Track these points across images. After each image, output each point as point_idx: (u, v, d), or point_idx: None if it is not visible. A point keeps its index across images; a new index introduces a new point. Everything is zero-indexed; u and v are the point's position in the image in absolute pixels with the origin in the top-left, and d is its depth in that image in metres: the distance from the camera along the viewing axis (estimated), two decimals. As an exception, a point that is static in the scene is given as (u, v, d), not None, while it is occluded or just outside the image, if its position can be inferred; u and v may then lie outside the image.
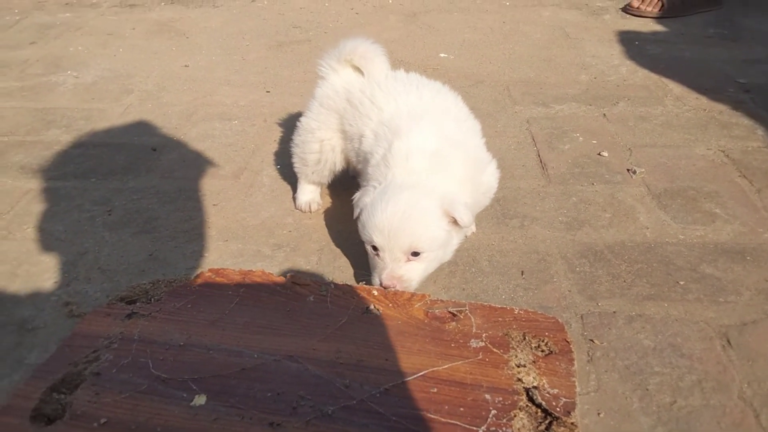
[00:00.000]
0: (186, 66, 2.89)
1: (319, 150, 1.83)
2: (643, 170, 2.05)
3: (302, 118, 1.88)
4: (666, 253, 1.69)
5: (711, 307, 1.50)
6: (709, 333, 1.43)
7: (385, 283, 1.49)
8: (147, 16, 3.50)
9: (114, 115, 2.45)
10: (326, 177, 1.89)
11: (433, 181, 1.49)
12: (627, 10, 3.47)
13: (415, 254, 1.47)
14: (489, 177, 1.66)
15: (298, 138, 1.88)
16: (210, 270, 1.54)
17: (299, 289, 1.48)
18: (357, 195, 1.56)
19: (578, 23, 3.37)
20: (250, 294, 1.46)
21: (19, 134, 2.30)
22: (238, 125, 2.39)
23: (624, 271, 1.63)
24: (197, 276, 1.52)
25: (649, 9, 3.37)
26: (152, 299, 1.47)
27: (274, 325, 1.38)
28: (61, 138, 2.28)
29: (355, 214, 1.55)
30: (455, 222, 1.48)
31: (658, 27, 3.30)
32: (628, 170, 2.06)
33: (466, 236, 1.69)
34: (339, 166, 1.86)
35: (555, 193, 1.96)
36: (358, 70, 1.81)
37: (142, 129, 2.35)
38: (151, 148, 2.23)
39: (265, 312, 1.41)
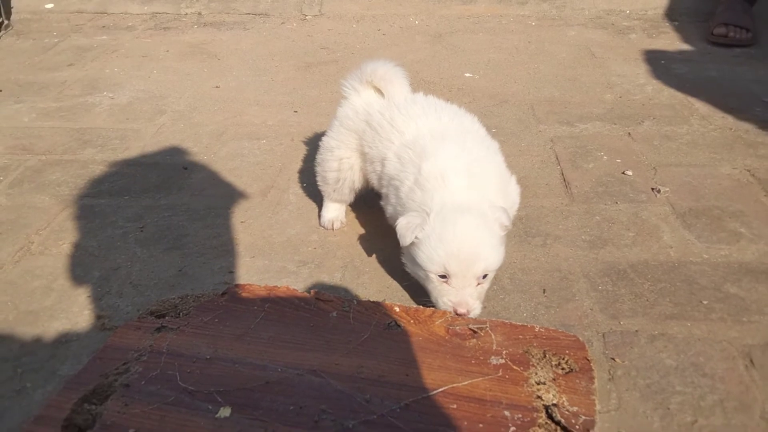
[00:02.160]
0: (217, 87, 2.97)
1: (338, 168, 1.87)
2: (668, 189, 2.05)
3: (324, 137, 1.93)
4: (690, 272, 1.69)
5: (734, 327, 1.49)
6: (732, 353, 1.42)
7: (461, 310, 1.47)
8: (180, 38, 3.60)
9: (147, 134, 2.53)
10: (347, 195, 1.93)
11: (473, 196, 1.51)
12: (715, 39, 3.29)
13: (484, 276, 1.50)
14: (512, 192, 1.69)
15: (319, 156, 1.93)
16: (236, 285, 1.58)
17: (323, 305, 1.51)
18: (401, 222, 1.52)
19: (604, 42, 3.38)
20: (274, 309, 1.50)
21: (56, 153, 2.38)
22: (266, 144, 2.45)
23: (647, 290, 1.63)
24: (224, 291, 1.56)
25: (740, 37, 3.25)
26: (181, 313, 1.51)
27: (297, 339, 1.41)
28: (97, 157, 2.35)
29: (407, 241, 1.51)
30: (506, 228, 1.51)
31: (684, 46, 3.29)
32: (652, 189, 2.06)
33: None
34: (358, 184, 1.89)
35: (578, 212, 1.97)
36: (379, 91, 1.86)
37: (174, 148, 2.42)
38: (182, 166, 2.29)
39: (289, 327, 1.45)
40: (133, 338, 1.43)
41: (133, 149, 2.41)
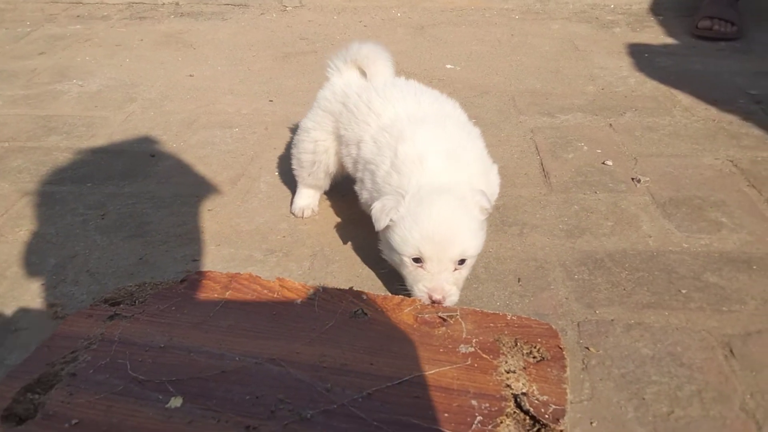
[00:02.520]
0: (191, 76, 2.89)
1: (313, 150, 1.81)
2: (648, 179, 2.00)
3: (302, 119, 1.86)
4: (669, 261, 1.63)
5: (714, 316, 1.44)
6: (711, 342, 1.37)
7: (435, 297, 1.40)
8: (156, 28, 3.52)
9: (115, 122, 2.45)
10: (322, 180, 1.86)
11: (455, 179, 1.45)
12: (699, 33, 3.24)
13: (461, 262, 1.43)
14: (493, 181, 1.62)
15: (295, 138, 1.87)
16: (197, 273, 1.51)
17: (287, 292, 1.44)
18: (377, 205, 1.46)
19: (588, 36, 3.33)
20: (236, 297, 1.43)
21: (20, 140, 2.30)
22: (238, 133, 2.38)
23: (624, 279, 1.58)
24: (183, 279, 1.49)
25: (725, 30, 3.19)
26: (137, 301, 1.44)
27: (258, 328, 1.34)
28: (61, 144, 2.27)
29: (381, 225, 1.45)
30: (486, 211, 1.46)
31: (669, 40, 3.25)
32: (632, 179, 2.01)
33: None
34: (333, 168, 1.83)
35: (556, 202, 1.91)
36: (363, 73, 1.80)
37: (143, 136, 2.34)
38: (149, 154, 2.22)
39: (250, 315, 1.38)
40: (84, 326, 1.35)
41: (100, 137, 2.33)
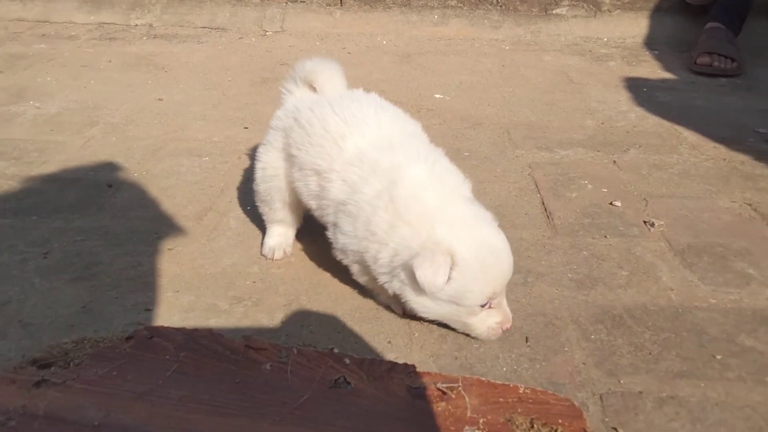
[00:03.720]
0: (160, 99, 2.67)
1: (262, 177, 1.61)
2: (662, 223, 1.80)
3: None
4: (696, 320, 1.43)
5: (756, 389, 1.23)
6: (758, 421, 1.15)
7: (507, 326, 1.33)
8: (126, 49, 3.30)
9: (72, 148, 2.21)
10: (281, 211, 1.63)
11: (452, 200, 1.34)
12: (699, 68, 3.09)
13: None
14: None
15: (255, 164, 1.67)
16: (146, 327, 1.27)
17: (254, 354, 1.20)
18: (426, 269, 1.23)
19: (582, 68, 3.18)
20: (192, 359, 1.18)
21: (-40, 165, 2.05)
22: (208, 162, 2.15)
23: (648, 341, 1.36)
24: (130, 335, 1.25)
25: (725, 66, 3.05)
26: (71, 363, 1.19)
27: (217, 400, 1.10)
28: (8, 171, 2.03)
29: (440, 284, 1.24)
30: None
31: (667, 75, 3.10)
32: (644, 222, 1.81)
33: None
34: (288, 196, 1.59)
35: (563, 246, 1.70)
36: (314, 89, 1.67)
37: (101, 164, 2.10)
38: (106, 184, 1.98)
39: (209, 383, 1.14)
40: (5, 395, 1.10)
41: (53, 163, 2.09)
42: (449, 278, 1.25)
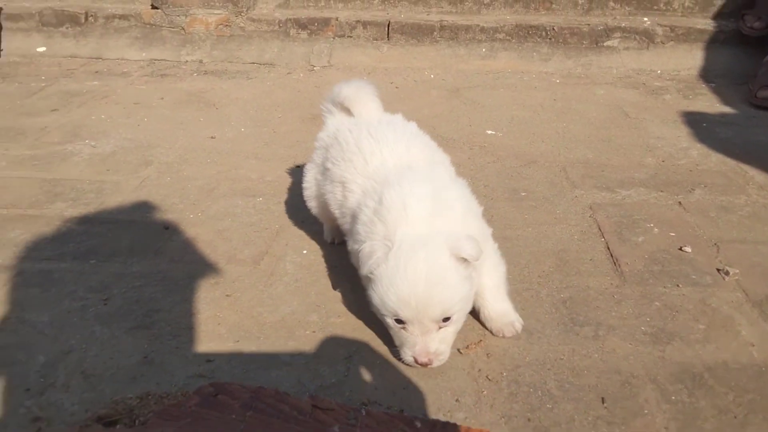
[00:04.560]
0: (212, 137, 2.68)
1: (308, 194, 1.82)
2: (737, 271, 1.72)
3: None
4: (783, 379, 1.34)
5: None
6: None
7: (421, 360, 1.33)
8: (177, 85, 3.34)
9: (128, 188, 2.22)
10: (324, 216, 1.82)
11: (438, 225, 1.35)
12: (759, 102, 3.00)
13: (446, 319, 1.31)
14: (484, 224, 1.55)
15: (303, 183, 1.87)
16: (211, 384, 1.23)
17: (321, 415, 1.16)
18: (366, 248, 1.35)
19: (637, 102, 3.10)
20: (258, 420, 1.15)
21: (21, 207, 2.07)
22: (262, 203, 2.14)
23: (732, 403, 1.28)
24: (195, 391, 1.22)
25: None
26: (137, 421, 1.17)
27: (286, 466, 1.06)
28: (66, 213, 2.04)
29: (363, 271, 1.36)
30: (466, 261, 1.34)
31: (726, 109, 3.01)
32: (718, 270, 1.73)
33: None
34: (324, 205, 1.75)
35: (633, 296, 1.63)
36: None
37: (157, 204, 2.11)
38: (163, 226, 1.97)
39: (277, 447, 1.10)
40: (69, 456, 1.08)
41: (109, 204, 2.10)
42: (370, 274, 1.34)
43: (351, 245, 1.51)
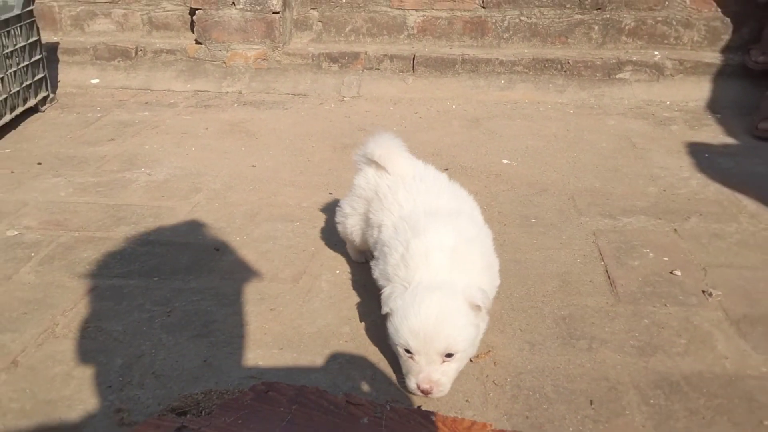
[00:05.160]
0: (253, 166, 2.97)
1: (343, 230, 2.08)
2: (720, 293, 1.94)
3: (342, 200, 2.10)
4: (748, 387, 1.57)
5: (804, 455, 1.36)
6: (804, 486, 1.28)
7: (423, 386, 1.50)
8: (220, 116, 3.64)
9: (182, 213, 2.51)
10: (353, 246, 2.11)
11: (455, 276, 1.56)
12: (760, 134, 3.20)
13: (449, 355, 1.50)
14: (495, 273, 1.74)
15: (336, 216, 2.11)
16: (263, 383, 1.50)
17: (353, 409, 1.42)
18: (386, 291, 1.61)
19: (645, 133, 3.33)
20: (302, 412, 1.40)
21: (89, 230, 2.37)
22: (299, 227, 2.41)
23: (702, 407, 1.51)
24: (250, 388, 1.48)
25: None
26: (203, 412, 1.43)
27: (325, 448, 1.31)
28: (129, 235, 2.33)
29: (383, 310, 1.60)
30: (479, 308, 1.54)
31: (729, 140, 3.22)
32: (703, 292, 1.95)
33: None
34: (359, 242, 2.04)
35: (625, 314, 1.87)
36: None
37: (208, 228, 2.39)
38: (214, 247, 2.25)
39: (317, 433, 1.35)
40: (152, 438, 1.34)
41: (167, 228, 2.39)
42: (389, 310, 1.56)
43: (377, 276, 1.75)
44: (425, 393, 1.50)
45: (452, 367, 1.52)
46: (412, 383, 1.52)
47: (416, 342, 1.49)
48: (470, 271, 1.59)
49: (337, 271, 2.12)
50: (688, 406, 1.51)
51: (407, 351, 1.51)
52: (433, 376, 1.49)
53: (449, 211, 1.75)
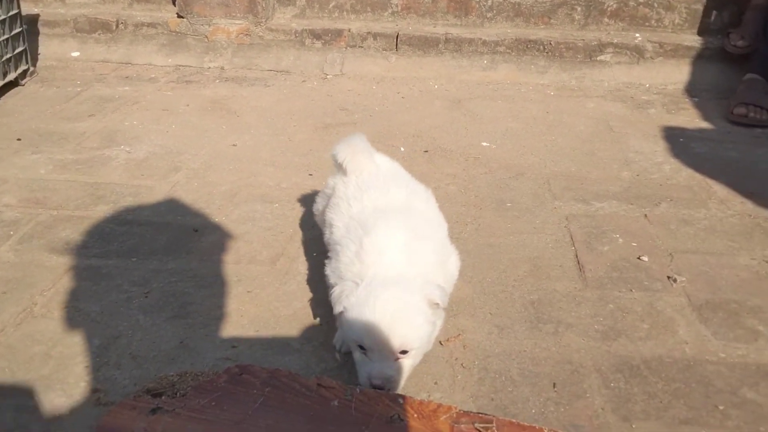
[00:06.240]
0: (234, 145, 2.98)
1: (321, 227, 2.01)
2: (684, 279, 2.00)
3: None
4: (705, 372, 1.63)
5: (752, 438, 1.43)
6: (750, 467, 1.36)
7: (375, 382, 1.49)
8: (201, 92, 3.64)
9: (161, 192, 2.53)
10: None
11: (410, 271, 1.54)
12: (734, 119, 3.26)
13: (404, 352, 1.50)
14: (451, 266, 1.73)
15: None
16: (237, 365, 1.54)
17: (324, 392, 1.46)
18: (336, 290, 1.58)
19: (623, 116, 3.37)
20: (275, 395, 1.45)
21: (68, 208, 2.38)
22: (278, 208, 2.44)
23: (660, 390, 1.58)
24: (224, 371, 1.52)
25: (760, 117, 3.21)
26: (178, 393, 1.47)
27: (297, 430, 1.36)
28: (108, 214, 2.35)
29: (336, 310, 1.57)
30: (437, 305, 1.52)
31: (704, 124, 3.28)
32: (668, 277, 2.01)
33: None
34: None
35: (592, 299, 1.92)
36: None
37: (187, 208, 2.41)
38: (193, 228, 2.28)
39: (289, 415, 1.40)
40: (128, 419, 1.38)
41: (146, 207, 2.41)
42: (342, 308, 1.54)
43: (328, 274, 1.71)
44: (376, 388, 1.48)
45: (406, 364, 1.52)
46: (363, 378, 1.51)
47: (370, 339, 1.48)
48: (425, 267, 1.57)
49: (315, 254, 2.16)
50: (646, 389, 1.58)
51: (361, 347, 1.51)
52: (386, 372, 1.48)
53: (398, 207, 1.74)
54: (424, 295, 1.51)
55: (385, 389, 1.48)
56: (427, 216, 1.79)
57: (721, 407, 1.52)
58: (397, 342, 1.47)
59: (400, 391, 1.53)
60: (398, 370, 1.51)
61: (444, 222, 1.82)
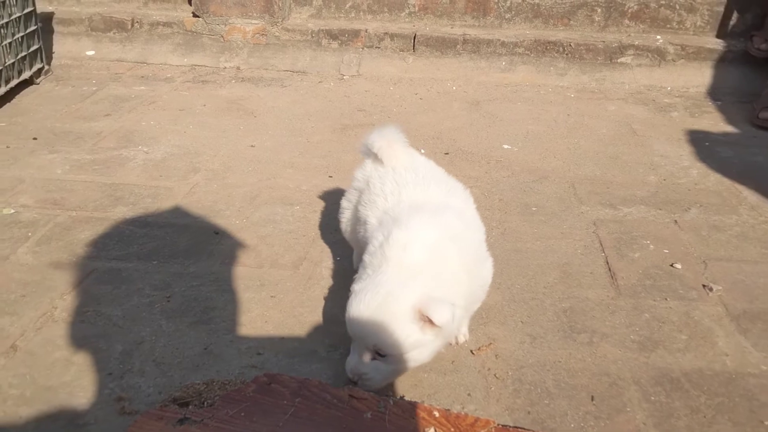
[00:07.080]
0: (252, 146, 2.93)
1: (344, 229, 1.96)
2: (720, 288, 1.94)
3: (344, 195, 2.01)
4: (748, 385, 1.58)
5: (802, 455, 1.38)
6: (802, 487, 1.30)
7: (348, 375, 1.50)
8: (218, 92, 3.59)
9: (180, 194, 2.48)
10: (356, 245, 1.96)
11: (424, 275, 1.45)
12: (760, 123, 3.19)
13: (381, 355, 1.46)
14: (485, 272, 1.66)
15: (339, 213, 2.00)
16: (266, 375, 1.49)
17: (356, 403, 1.42)
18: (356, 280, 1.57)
19: (645, 119, 3.31)
20: (305, 406, 1.40)
21: (87, 210, 2.34)
22: (299, 211, 2.39)
23: (703, 405, 1.52)
24: (252, 380, 1.47)
25: None
26: (205, 403, 1.43)
27: (329, 443, 1.32)
28: (127, 216, 2.31)
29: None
30: (431, 323, 1.40)
31: (729, 128, 3.21)
32: (704, 286, 1.96)
33: (454, 342, 1.70)
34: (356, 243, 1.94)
35: (626, 308, 1.87)
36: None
37: (207, 210, 2.37)
38: (213, 231, 2.23)
39: (320, 427, 1.35)
40: (154, 430, 1.34)
41: (165, 209, 2.37)
42: (351, 291, 1.53)
43: (355, 261, 1.72)
44: (351, 380, 1.49)
45: (383, 368, 1.47)
46: (347, 365, 1.52)
47: (350, 329, 1.49)
48: (444, 271, 1.48)
49: (338, 258, 2.11)
50: (689, 403, 1.52)
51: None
52: (360, 368, 1.47)
53: (434, 205, 1.66)
54: (416, 304, 1.41)
55: (357, 385, 1.47)
56: (464, 217, 1.69)
57: (766, 422, 1.46)
58: (370, 341, 1.45)
59: (407, 396, 1.51)
60: (375, 369, 1.47)
61: (482, 225, 1.72)
